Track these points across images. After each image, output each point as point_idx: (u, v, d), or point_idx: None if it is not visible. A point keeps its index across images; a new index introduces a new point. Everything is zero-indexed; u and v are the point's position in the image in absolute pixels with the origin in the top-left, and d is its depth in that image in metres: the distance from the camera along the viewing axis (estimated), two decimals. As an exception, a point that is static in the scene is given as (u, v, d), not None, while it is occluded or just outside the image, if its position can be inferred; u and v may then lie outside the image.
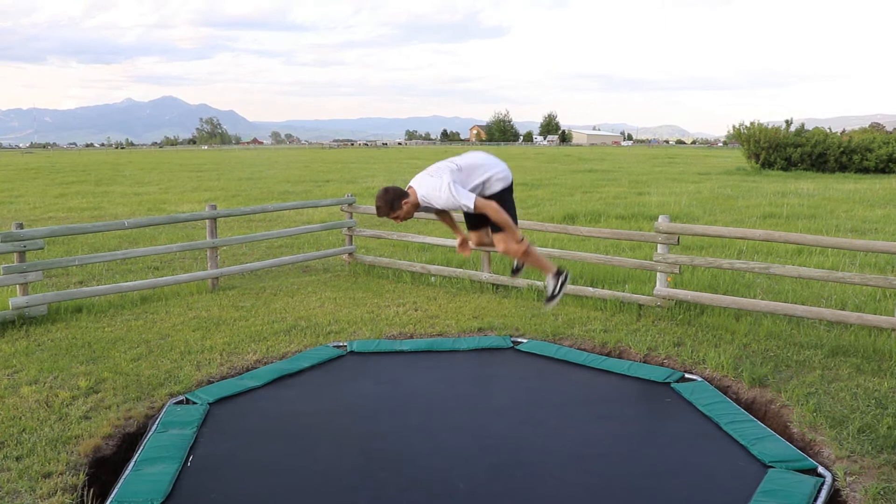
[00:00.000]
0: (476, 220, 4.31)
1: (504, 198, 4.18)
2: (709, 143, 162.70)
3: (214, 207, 8.23)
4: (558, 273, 4.28)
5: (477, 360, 5.78)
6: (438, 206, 4.08)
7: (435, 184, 4.02)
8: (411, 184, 4.17)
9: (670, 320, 6.72)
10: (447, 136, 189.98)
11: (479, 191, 4.15)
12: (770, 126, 36.54)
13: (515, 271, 4.68)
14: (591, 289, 7.50)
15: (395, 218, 4.08)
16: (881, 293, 7.61)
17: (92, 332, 6.37)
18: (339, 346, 6.02)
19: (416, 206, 4.10)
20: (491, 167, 4.20)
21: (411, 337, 6.41)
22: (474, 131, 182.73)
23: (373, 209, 9.78)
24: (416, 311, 7.18)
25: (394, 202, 4.04)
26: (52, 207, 18.02)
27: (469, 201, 3.96)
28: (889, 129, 58.46)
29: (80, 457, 4.01)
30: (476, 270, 8.45)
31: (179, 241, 11.43)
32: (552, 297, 4.28)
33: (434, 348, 6.00)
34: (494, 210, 4.03)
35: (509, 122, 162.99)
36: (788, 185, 23.76)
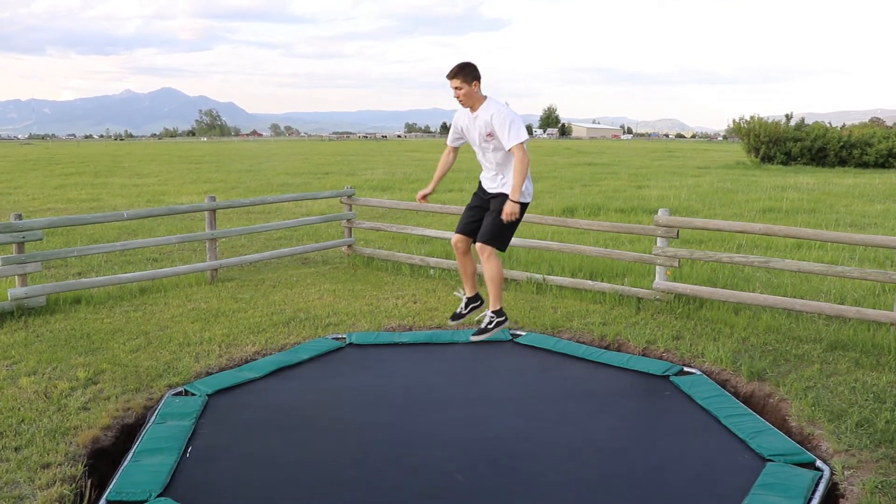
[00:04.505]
0: (475, 219, 4.13)
1: (519, 218, 4.06)
2: (708, 137, 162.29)
3: (213, 199, 8.21)
4: (500, 312, 4.14)
5: (475, 353, 5.78)
6: (489, 124, 3.85)
7: (509, 111, 3.86)
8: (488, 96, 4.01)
9: (669, 314, 6.71)
10: (447, 129, 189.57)
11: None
12: (770, 120, 36.46)
13: (458, 316, 4.42)
14: (590, 282, 7.49)
15: (457, 88, 3.91)
16: (880, 287, 7.62)
17: (91, 323, 6.37)
18: (338, 338, 6.02)
19: (472, 98, 3.91)
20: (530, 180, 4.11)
21: (410, 329, 6.41)
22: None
23: (372, 201, 9.79)
24: (415, 303, 7.18)
25: (474, 71, 3.93)
26: (51, 199, 17.99)
27: (522, 136, 3.79)
28: (889, 124, 58.40)
29: (78, 448, 4.01)
30: (476, 264, 8.43)
31: (178, 232, 11.41)
32: (484, 331, 4.12)
33: (433, 340, 6.00)
34: (519, 177, 3.83)
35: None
36: (788, 180, 23.74)
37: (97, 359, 5.41)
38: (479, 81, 3.94)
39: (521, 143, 3.83)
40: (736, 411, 4.53)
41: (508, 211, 3.87)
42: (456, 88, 3.91)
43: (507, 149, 3.86)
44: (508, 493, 3.67)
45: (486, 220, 3.99)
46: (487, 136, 3.87)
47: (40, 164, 35.59)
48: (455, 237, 4.16)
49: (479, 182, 4.15)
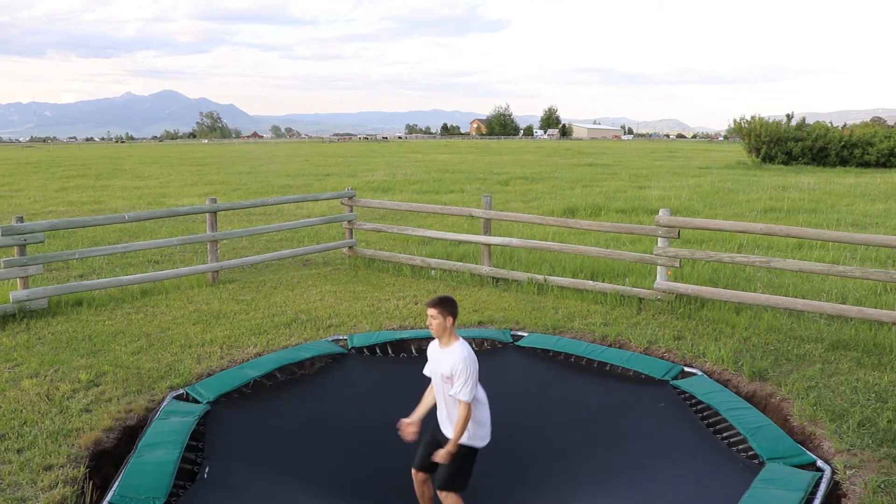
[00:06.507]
0: (431, 455, 4.07)
1: (472, 460, 4.03)
2: (709, 138, 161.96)
3: (214, 201, 8.23)
4: None
5: (477, 354, 5.76)
6: (449, 369, 3.90)
7: (470, 364, 3.91)
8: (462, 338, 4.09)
9: (670, 314, 6.71)
10: (447, 130, 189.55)
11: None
12: (771, 120, 36.43)
13: None
14: (591, 282, 7.49)
15: (432, 317, 3.96)
16: (882, 287, 7.61)
17: (92, 325, 6.37)
18: (339, 340, 6.02)
19: (445, 331, 3.97)
20: (487, 423, 4.09)
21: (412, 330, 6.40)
22: (475, 125, 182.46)
23: (373, 202, 9.79)
24: (416, 304, 7.18)
25: (452, 307, 3.98)
26: (53, 201, 18.01)
27: (469, 395, 3.84)
28: (890, 123, 58.35)
29: (80, 449, 4.02)
30: (476, 264, 8.45)
31: (179, 234, 11.42)
32: None
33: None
34: (458, 433, 3.87)
35: (509, 115, 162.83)
36: (789, 180, 23.73)
37: (99, 361, 5.41)
38: (455, 319, 4.00)
39: (468, 403, 3.87)
40: (736, 405, 4.52)
41: (442, 454, 3.91)
42: (431, 317, 3.97)
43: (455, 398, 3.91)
44: (509, 493, 3.68)
45: (441, 467, 4.02)
46: (447, 378, 3.94)
47: (41, 166, 35.64)
48: (413, 471, 4.19)
49: (437, 420, 4.18)
